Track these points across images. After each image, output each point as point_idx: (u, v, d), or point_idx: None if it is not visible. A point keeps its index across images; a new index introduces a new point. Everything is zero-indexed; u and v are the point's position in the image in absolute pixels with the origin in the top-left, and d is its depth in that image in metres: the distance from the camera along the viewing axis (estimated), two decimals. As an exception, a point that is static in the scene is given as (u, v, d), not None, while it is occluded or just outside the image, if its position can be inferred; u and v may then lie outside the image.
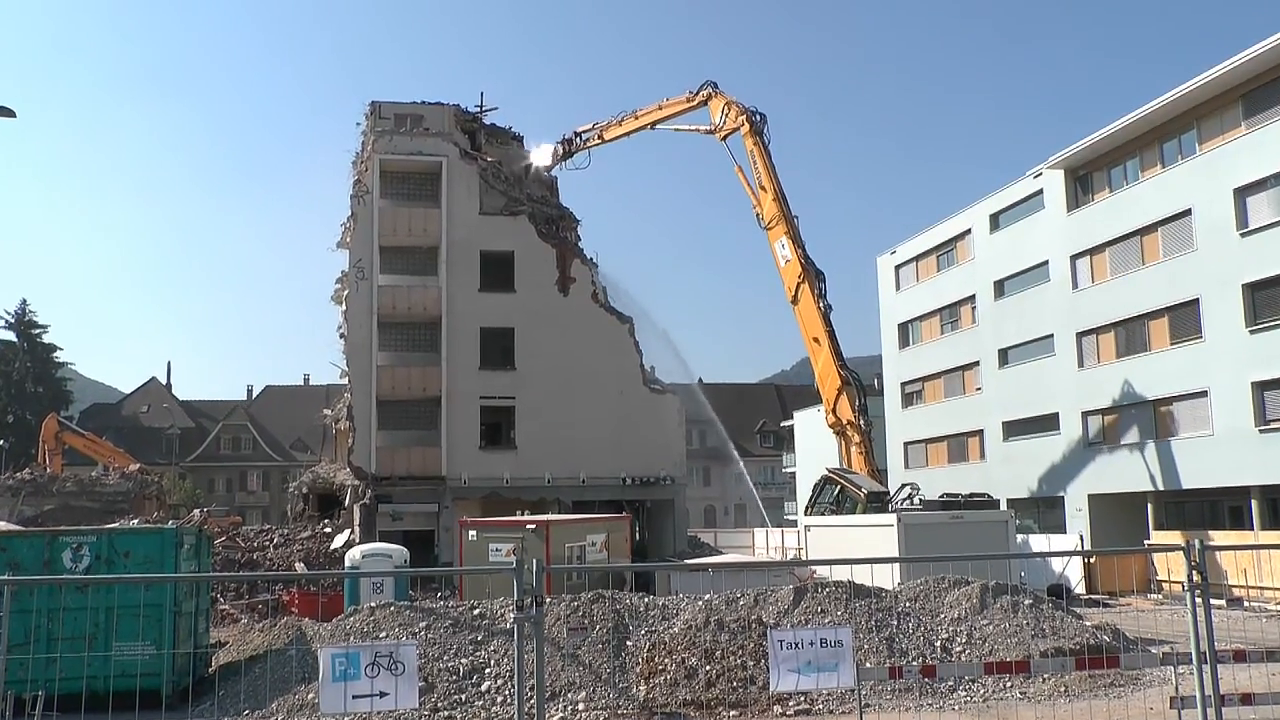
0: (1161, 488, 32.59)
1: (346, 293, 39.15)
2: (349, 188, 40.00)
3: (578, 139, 39.99)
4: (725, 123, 33.30)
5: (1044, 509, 38.44)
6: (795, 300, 31.78)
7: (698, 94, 34.53)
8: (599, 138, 39.01)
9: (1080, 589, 27.76)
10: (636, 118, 37.33)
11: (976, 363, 43.49)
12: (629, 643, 14.09)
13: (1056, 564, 28.10)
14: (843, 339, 30.87)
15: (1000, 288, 42.25)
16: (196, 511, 39.97)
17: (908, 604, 15.48)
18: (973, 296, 43.88)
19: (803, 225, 31.95)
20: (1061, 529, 35.99)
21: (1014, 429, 41.04)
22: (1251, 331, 29.30)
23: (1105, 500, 35.58)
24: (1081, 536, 33.23)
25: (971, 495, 29.21)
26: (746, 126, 32.59)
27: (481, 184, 39.85)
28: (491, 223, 39.60)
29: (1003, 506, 31.93)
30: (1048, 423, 38.83)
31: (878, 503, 28.09)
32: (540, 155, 41.99)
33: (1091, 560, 28.37)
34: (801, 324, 31.96)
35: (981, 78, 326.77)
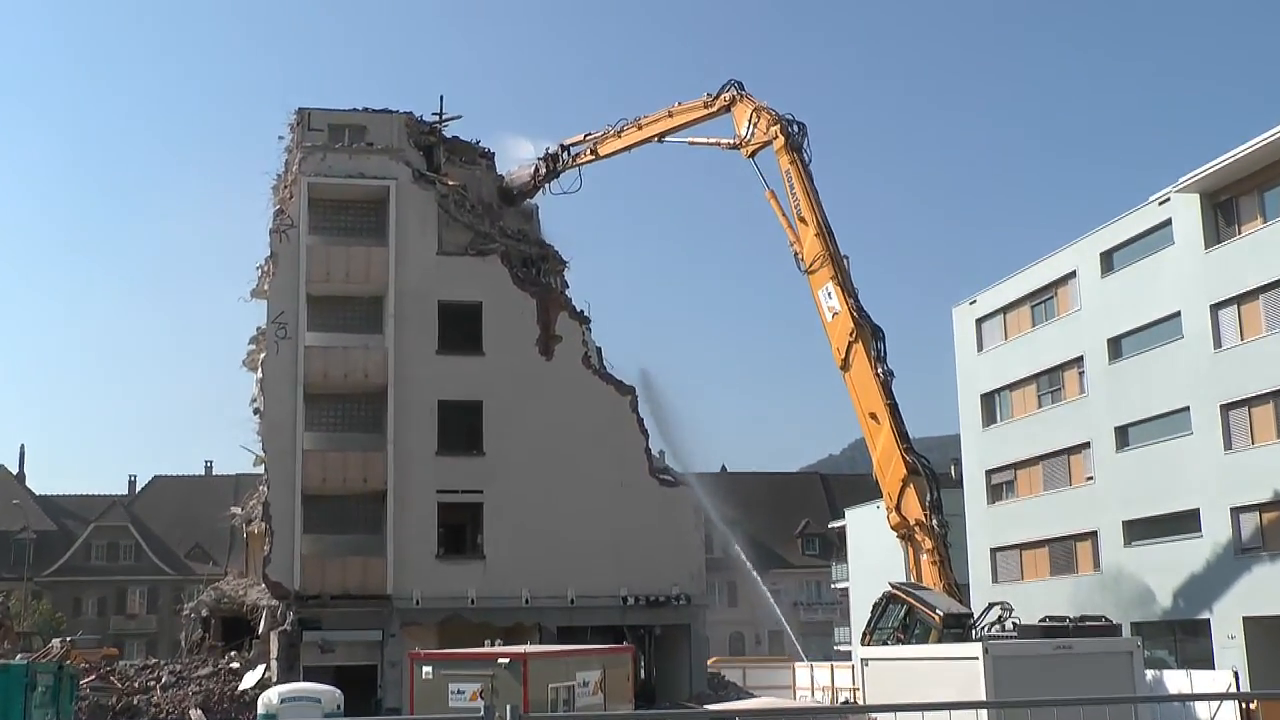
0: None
1: (263, 356, 39.81)
2: (267, 220, 40.82)
3: (565, 155, 40.81)
4: (753, 135, 33.74)
5: (1182, 636, 38.03)
6: (846, 365, 32.02)
7: (717, 98, 35.05)
8: (592, 153, 39.74)
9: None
10: (640, 127, 37.97)
11: (1087, 444, 43.51)
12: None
13: (1202, 710, 27.85)
14: (909, 414, 31.00)
15: (1116, 347, 42.23)
16: (56, 641, 39.97)
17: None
18: (1080, 358, 44.00)
19: (856, 267, 32.03)
20: (1207, 662, 35.36)
21: (1138, 530, 40.76)
22: None
23: (1267, 625, 34.96)
24: (1236, 673, 32.73)
25: (1083, 618, 28.94)
26: (781, 140, 33.02)
27: (440, 215, 40.69)
28: (453, 265, 40.32)
29: (1126, 633, 31.76)
30: (1185, 522, 38.43)
31: (957, 628, 27.87)
32: (517, 176, 42.72)
33: (1252, 706, 28.01)
34: (854, 395, 32.14)
35: (1089, 76, 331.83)
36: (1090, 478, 43.33)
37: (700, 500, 41.67)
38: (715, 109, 35.17)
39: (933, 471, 30.73)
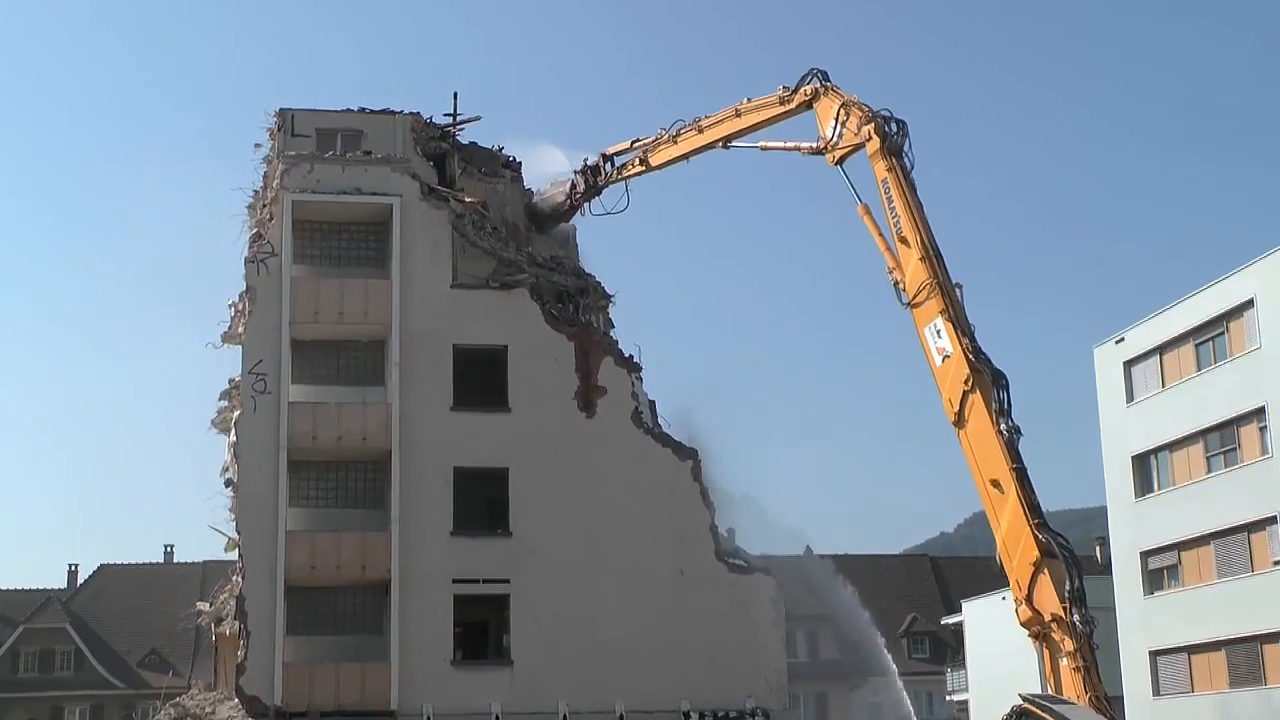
0: None
1: (238, 414, 40.06)
2: (242, 247, 41.26)
3: (608, 167, 41.10)
4: (841, 136, 33.64)
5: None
6: (960, 420, 31.69)
7: (796, 91, 35.05)
8: (642, 163, 39.87)
9: None
10: (701, 130, 38.14)
11: (1272, 518, 43.11)
12: None
13: None
14: (1042, 481, 30.55)
15: (1309, 393, 42.01)
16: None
17: None
18: (1260, 410, 43.54)
19: (970, 297, 31.75)
20: None
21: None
22: None
23: None
24: None
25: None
26: (876, 142, 32.90)
27: (456, 239, 40.90)
28: (472, 301, 40.60)
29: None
30: None
31: (1109, 754, 27.76)
32: (550, 194, 43.16)
33: None
34: (971, 458, 31.78)
35: (1258, 67, 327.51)
36: (1278, 561, 42.79)
37: (781, 591, 41.18)
38: (794, 105, 35.08)
39: (1073, 553, 30.00)
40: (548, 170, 44.74)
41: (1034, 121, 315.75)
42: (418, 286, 40.52)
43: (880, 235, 32.79)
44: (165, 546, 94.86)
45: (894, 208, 32.64)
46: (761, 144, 36.58)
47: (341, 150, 41.42)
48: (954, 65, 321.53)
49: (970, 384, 31.50)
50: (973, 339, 31.99)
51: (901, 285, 32.35)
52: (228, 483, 41.42)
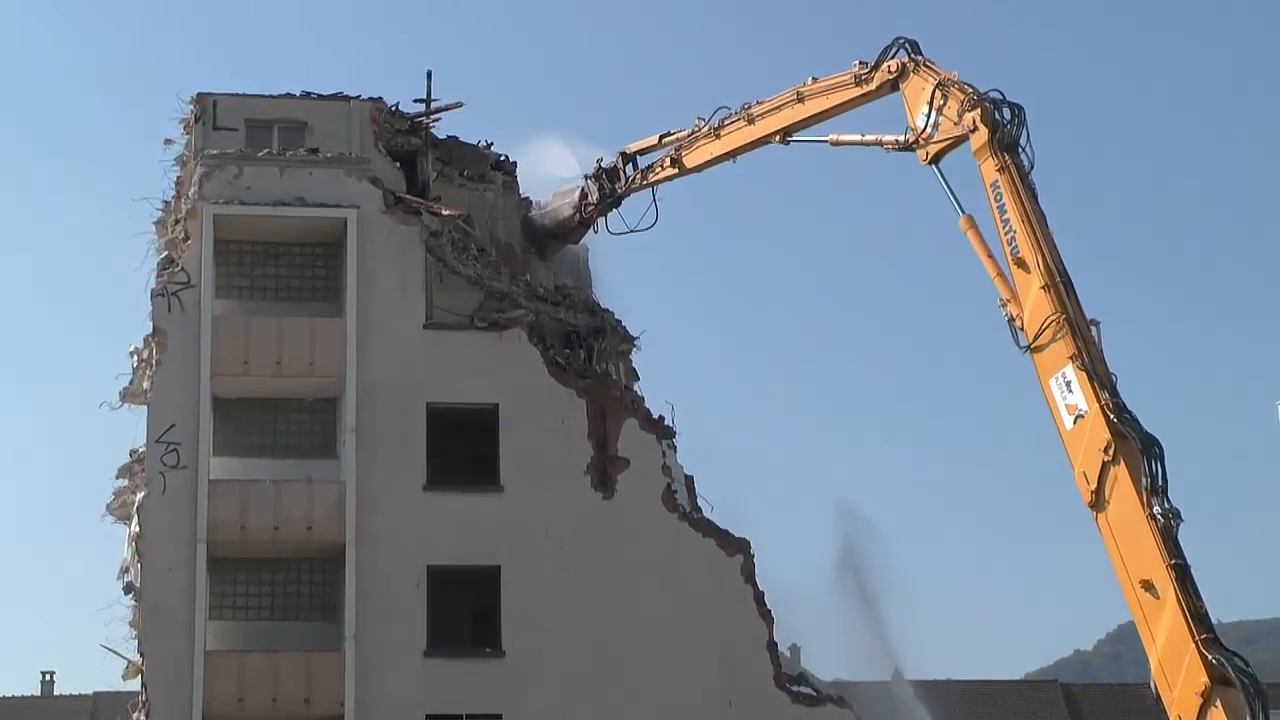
0: None
1: (141, 497, 40.08)
2: (147, 275, 41.69)
3: (629, 169, 41.39)
4: (938, 127, 33.60)
5: None
6: (1098, 502, 30.93)
7: (877, 68, 34.95)
8: (673, 164, 39.92)
9: None
10: (752, 120, 38.15)
11: None
12: None
13: None
14: (1213, 584, 30.44)
15: None
16: None
17: None
18: None
19: (1112, 338, 31.50)
20: None
21: None
22: None
23: None
24: None
25: None
26: (983, 134, 32.68)
27: (431, 265, 41.12)
28: (451, 345, 41.00)
29: None
30: None
31: None
32: (555, 205, 43.45)
33: None
34: (1113, 552, 30.91)
35: None
36: None
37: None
38: (874, 87, 35.00)
39: (1255, 679, 29.02)
40: (551, 173, 45.01)
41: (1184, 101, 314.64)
42: (381, 327, 40.62)
43: (989, 256, 32.69)
44: (44, 674, 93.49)
45: (1007, 220, 32.51)
46: (833, 138, 36.74)
47: (279, 148, 41.53)
48: (1068, 38, 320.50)
49: (1111, 453, 30.94)
50: (1114, 393, 31.35)
51: (1018, 322, 32.06)
52: (127, 588, 41.36)
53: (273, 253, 42.19)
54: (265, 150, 41.51)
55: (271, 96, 42.76)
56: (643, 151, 41.13)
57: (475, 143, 44.93)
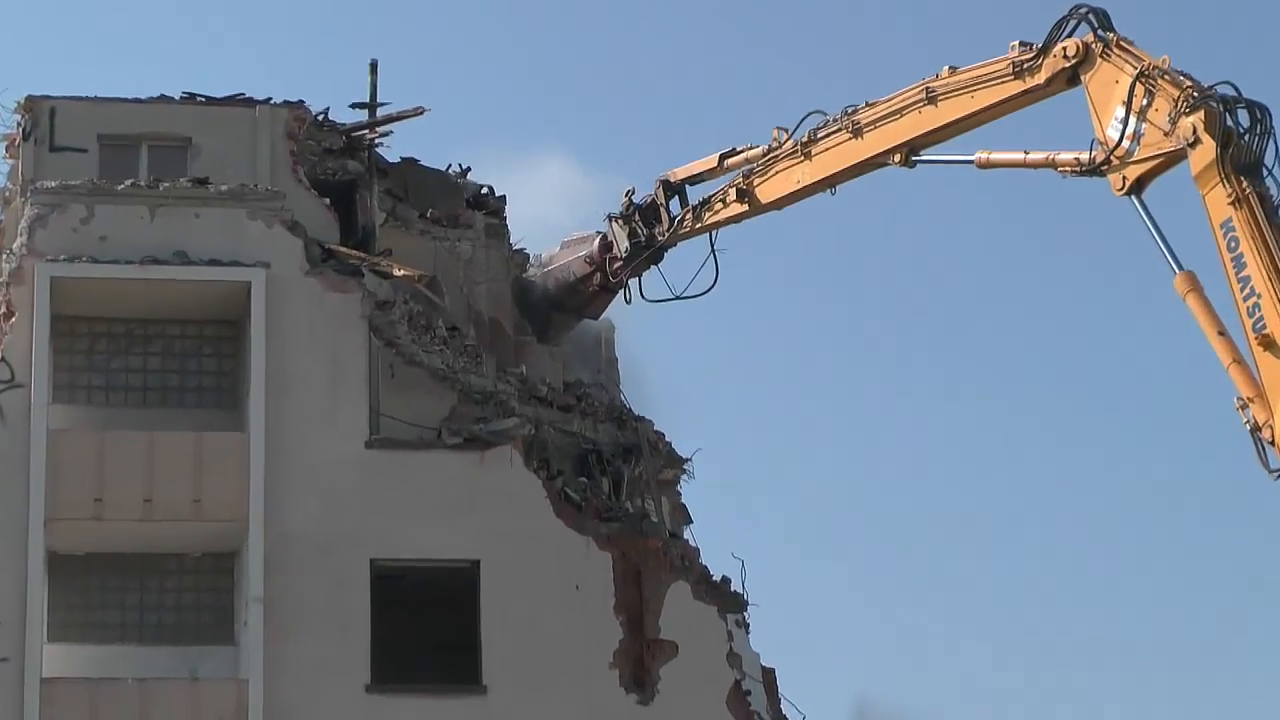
0: None
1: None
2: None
3: (673, 205, 35.54)
4: (1140, 138, 28.66)
5: None
6: None
7: (1045, 52, 29.92)
8: (740, 199, 34.18)
9: None
10: (858, 133, 32.43)
11: None
12: None
13: None
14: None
15: None
16: None
17: None
18: None
19: None
20: None
21: None
22: None
23: None
24: None
25: None
26: (1210, 148, 27.58)
27: (377, 352, 34.42)
28: (408, 473, 34.05)
29: None
30: None
31: None
32: (563, 260, 37.90)
33: None
34: None
35: None
36: None
37: None
38: (1044, 79, 29.55)
39: None
40: (555, 216, 41.06)
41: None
42: (301, 447, 33.68)
43: (1219, 334, 27.90)
44: None
45: (1246, 277, 28.02)
46: (981, 156, 31.05)
47: (150, 177, 34.69)
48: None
49: None
50: None
51: (1266, 433, 26.98)
52: None
53: (139, 335, 35.03)
54: (129, 181, 34.57)
55: (138, 101, 36.32)
56: (694, 179, 35.25)
57: (444, 168, 38.81)
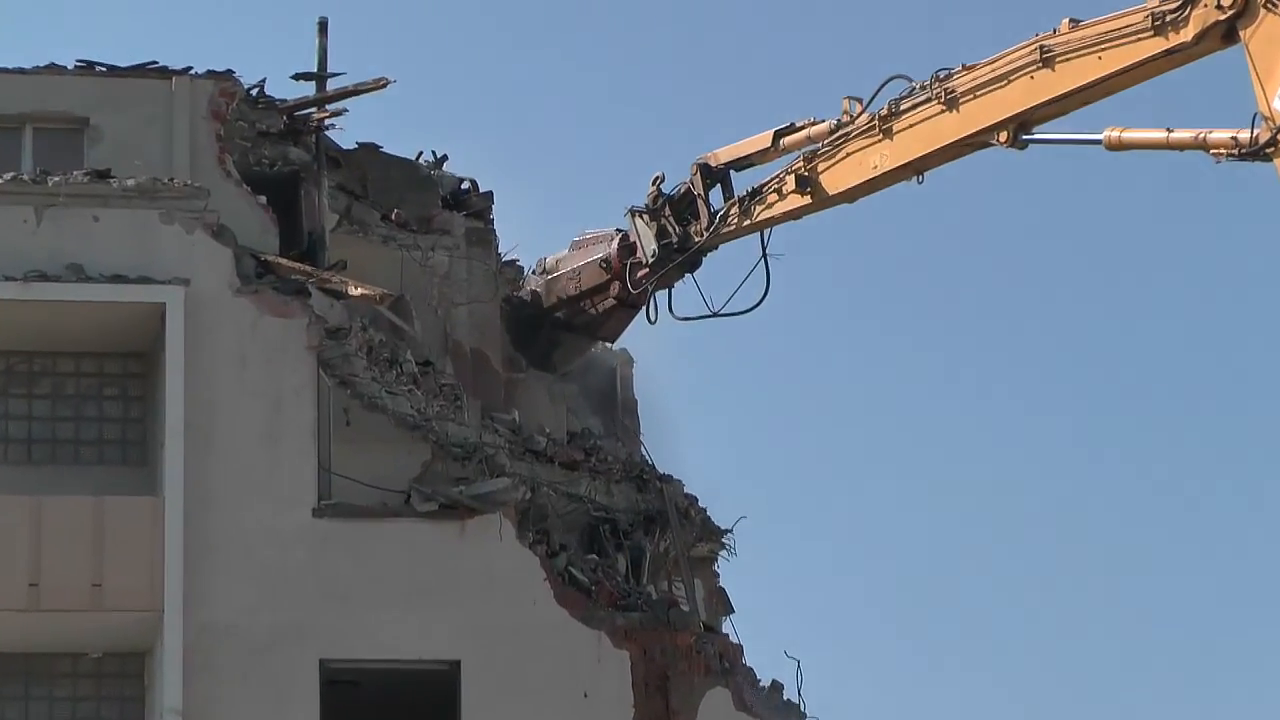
0: None
1: None
2: None
3: (712, 200, 32.12)
4: None
5: None
6: None
7: (1191, 2, 27.28)
8: (800, 187, 30.80)
9: None
10: (953, 105, 29.68)
11: None
12: None
13: None
14: None
15: None
16: None
17: None
18: None
19: None
20: None
21: None
22: None
23: None
24: None
25: None
26: None
27: (328, 396, 31.32)
28: (368, 548, 30.84)
29: None
30: None
31: None
32: (571, 263, 34.73)
33: None
34: None
35: None
36: None
37: None
38: (1191, 35, 26.78)
39: None
40: (555, 216, 39.03)
41: None
42: (232, 514, 29.88)
43: None
44: None
45: None
46: (1111, 135, 28.06)
47: (35, 168, 31.41)
48: None
49: None
50: None
51: None
52: None
53: (22, 372, 31.56)
54: (9, 174, 30.80)
55: (21, 71, 32.69)
56: (741, 163, 31.90)
57: (414, 156, 35.19)
